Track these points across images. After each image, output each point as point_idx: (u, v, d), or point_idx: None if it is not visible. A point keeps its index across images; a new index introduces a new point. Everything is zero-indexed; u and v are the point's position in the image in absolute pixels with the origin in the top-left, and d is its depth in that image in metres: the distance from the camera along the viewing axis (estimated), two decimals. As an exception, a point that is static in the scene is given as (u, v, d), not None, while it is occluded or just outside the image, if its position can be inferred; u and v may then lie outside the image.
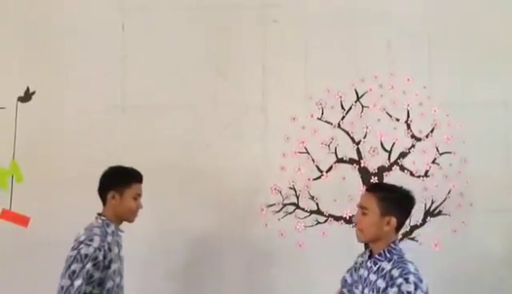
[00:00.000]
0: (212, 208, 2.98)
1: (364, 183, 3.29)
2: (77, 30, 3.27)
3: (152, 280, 3.19)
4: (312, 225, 3.25)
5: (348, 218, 3.25)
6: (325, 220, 3.26)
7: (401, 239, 3.26)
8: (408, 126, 3.33)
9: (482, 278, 3.28)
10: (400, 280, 1.89)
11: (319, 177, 3.28)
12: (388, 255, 2.02)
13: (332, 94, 3.32)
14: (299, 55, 3.29)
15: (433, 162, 3.32)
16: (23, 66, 3.26)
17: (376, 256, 2.05)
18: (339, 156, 3.30)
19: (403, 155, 3.32)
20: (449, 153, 3.32)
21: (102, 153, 3.19)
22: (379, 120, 3.33)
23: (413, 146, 3.33)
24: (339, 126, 3.32)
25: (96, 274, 2.19)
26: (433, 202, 3.30)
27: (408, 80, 3.34)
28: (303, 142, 3.27)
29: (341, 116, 3.32)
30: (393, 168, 3.31)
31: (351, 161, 3.30)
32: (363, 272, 2.11)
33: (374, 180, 3.28)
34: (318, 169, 3.28)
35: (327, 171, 3.29)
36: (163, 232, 3.15)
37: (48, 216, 3.15)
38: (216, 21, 3.29)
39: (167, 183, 3.20)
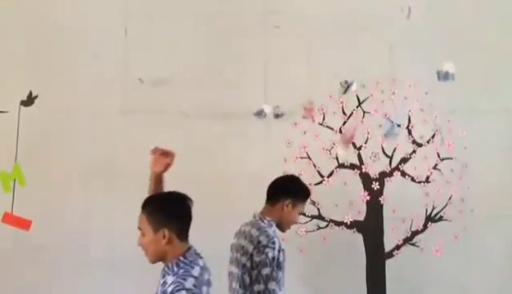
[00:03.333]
0: (214, 213, 2.97)
1: (365, 188, 3.30)
2: (80, 35, 3.27)
3: (147, 284, 3.18)
4: (313, 230, 3.25)
5: (348, 223, 3.26)
6: (326, 225, 3.26)
7: (402, 245, 3.27)
8: (409, 132, 3.34)
9: (483, 283, 3.27)
10: None
11: (320, 182, 3.28)
12: (175, 268, 1.89)
13: (334, 99, 3.33)
14: (301, 61, 3.30)
15: (435, 167, 3.33)
16: (26, 70, 3.26)
17: (165, 268, 1.92)
18: (340, 161, 3.31)
19: (404, 161, 3.33)
20: (450, 158, 3.33)
21: (104, 158, 3.20)
22: (380, 126, 3.34)
23: (414, 152, 3.33)
24: (340, 131, 3.32)
25: (280, 275, 2.27)
26: (434, 208, 3.30)
27: (410, 86, 3.35)
28: (304, 147, 3.27)
29: (342, 121, 3.33)
30: (394, 174, 3.31)
31: (352, 166, 3.31)
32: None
33: (375, 185, 3.29)
34: (319, 174, 3.28)
35: (328, 177, 3.29)
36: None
37: (49, 219, 3.16)
38: (218, 27, 3.30)
39: (168, 188, 3.19)
